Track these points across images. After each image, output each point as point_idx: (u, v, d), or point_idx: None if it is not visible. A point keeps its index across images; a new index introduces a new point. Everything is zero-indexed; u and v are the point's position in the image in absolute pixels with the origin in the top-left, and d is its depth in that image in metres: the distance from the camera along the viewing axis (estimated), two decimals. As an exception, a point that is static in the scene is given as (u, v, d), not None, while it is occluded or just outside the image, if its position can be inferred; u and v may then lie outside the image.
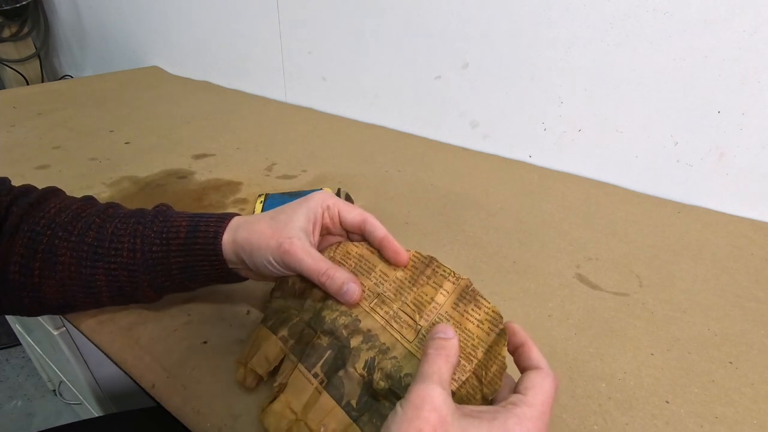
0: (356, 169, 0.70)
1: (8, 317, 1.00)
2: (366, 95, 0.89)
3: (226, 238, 0.35)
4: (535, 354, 0.28)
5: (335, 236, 0.38)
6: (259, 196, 0.57)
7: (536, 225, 0.56)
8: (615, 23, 0.59)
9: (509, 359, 0.28)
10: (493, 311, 0.30)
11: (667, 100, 0.59)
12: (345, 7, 0.83)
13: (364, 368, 0.30)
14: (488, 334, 0.29)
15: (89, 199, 0.41)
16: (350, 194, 0.58)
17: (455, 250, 0.51)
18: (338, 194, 0.56)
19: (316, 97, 0.98)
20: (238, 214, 0.37)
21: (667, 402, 0.34)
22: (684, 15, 0.54)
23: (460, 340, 0.29)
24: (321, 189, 0.57)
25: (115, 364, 0.39)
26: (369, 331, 0.31)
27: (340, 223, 0.36)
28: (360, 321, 0.32)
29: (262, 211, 0.53)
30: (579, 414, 0.33)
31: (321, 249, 0.36)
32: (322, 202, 0.35)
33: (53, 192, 0.42)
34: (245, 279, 0.38)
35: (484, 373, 0.28)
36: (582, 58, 0.63)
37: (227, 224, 0.35)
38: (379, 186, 0.65)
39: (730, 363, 0.37)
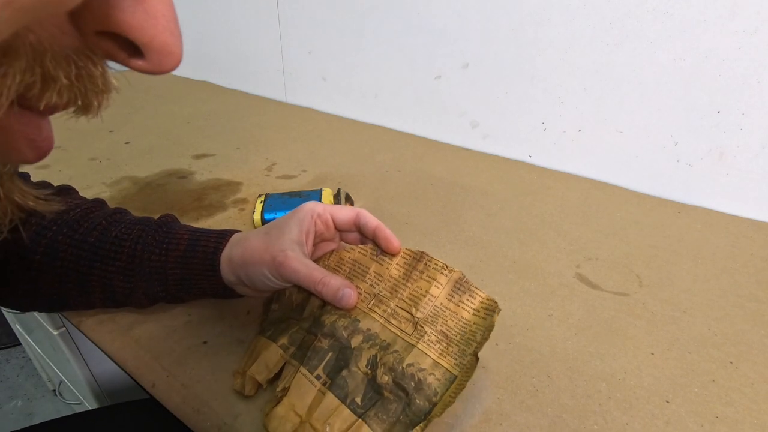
0: (356, 169, 0.70)
1: (8, 317, 1.00)
2: (366, 95, 0.89)
3: (224, 255, 0.35)
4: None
5: (329, 242, 0.38)
6: (259, 196, 0.57)
7: (536, 225, 0.56)
8: (615, 23, 0.59)
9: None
10: (487, 299, 0.31)
11: (667, 100, 0.59)
12: (345, 7, 0.83)
13: (367, 366, 0.30)
14: (485, 319, 0.30)
15: (99, 202, 0.42)
16: (350, 194, 0.58)
17: (455, 250, 0.51)
18: (338, 194, 0.56)
19: (316, 97, 0.98)
20: (238, 231, 0.37)
21: (667, 402, 0.34)
22: (684, 15, 0.54)
23: (457, 329, 0.31)
24: (321, 189, 0.57)
25: (116, 363, 0.39)
26: (368, 330, 0.32)
27: (335, 226, 0.36)
28: (359, 321, 0.32)
29: (262, 210, 0.53)
30: (579, 414, 0.33)
31: (316, 258, 0.36)
32: (312, 212, 0.35)
33: (66, 190, 0.42)
34: (240, 296, 0.38)
35: (480, 346, 0.30)
36: (582, 58, 0.63)
37: (227, 241, 0.36)
38: (379, 186, 0.65)
39: (730, 363, 0.37)
